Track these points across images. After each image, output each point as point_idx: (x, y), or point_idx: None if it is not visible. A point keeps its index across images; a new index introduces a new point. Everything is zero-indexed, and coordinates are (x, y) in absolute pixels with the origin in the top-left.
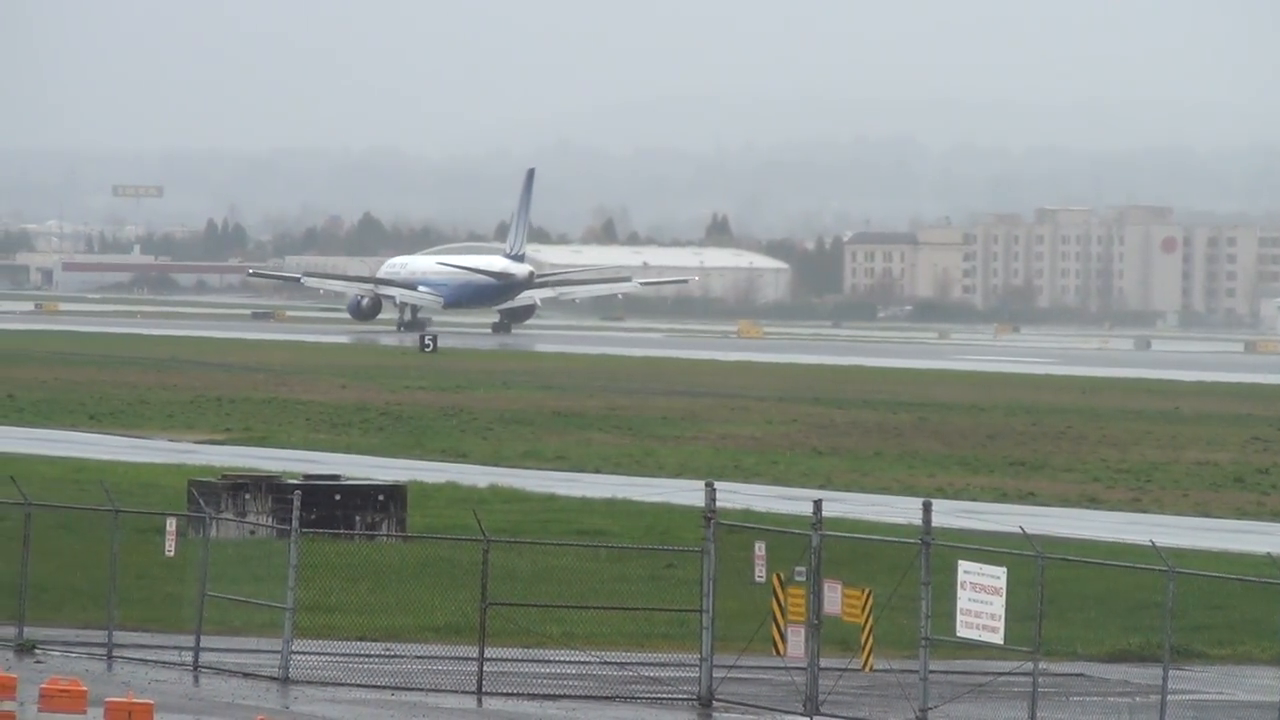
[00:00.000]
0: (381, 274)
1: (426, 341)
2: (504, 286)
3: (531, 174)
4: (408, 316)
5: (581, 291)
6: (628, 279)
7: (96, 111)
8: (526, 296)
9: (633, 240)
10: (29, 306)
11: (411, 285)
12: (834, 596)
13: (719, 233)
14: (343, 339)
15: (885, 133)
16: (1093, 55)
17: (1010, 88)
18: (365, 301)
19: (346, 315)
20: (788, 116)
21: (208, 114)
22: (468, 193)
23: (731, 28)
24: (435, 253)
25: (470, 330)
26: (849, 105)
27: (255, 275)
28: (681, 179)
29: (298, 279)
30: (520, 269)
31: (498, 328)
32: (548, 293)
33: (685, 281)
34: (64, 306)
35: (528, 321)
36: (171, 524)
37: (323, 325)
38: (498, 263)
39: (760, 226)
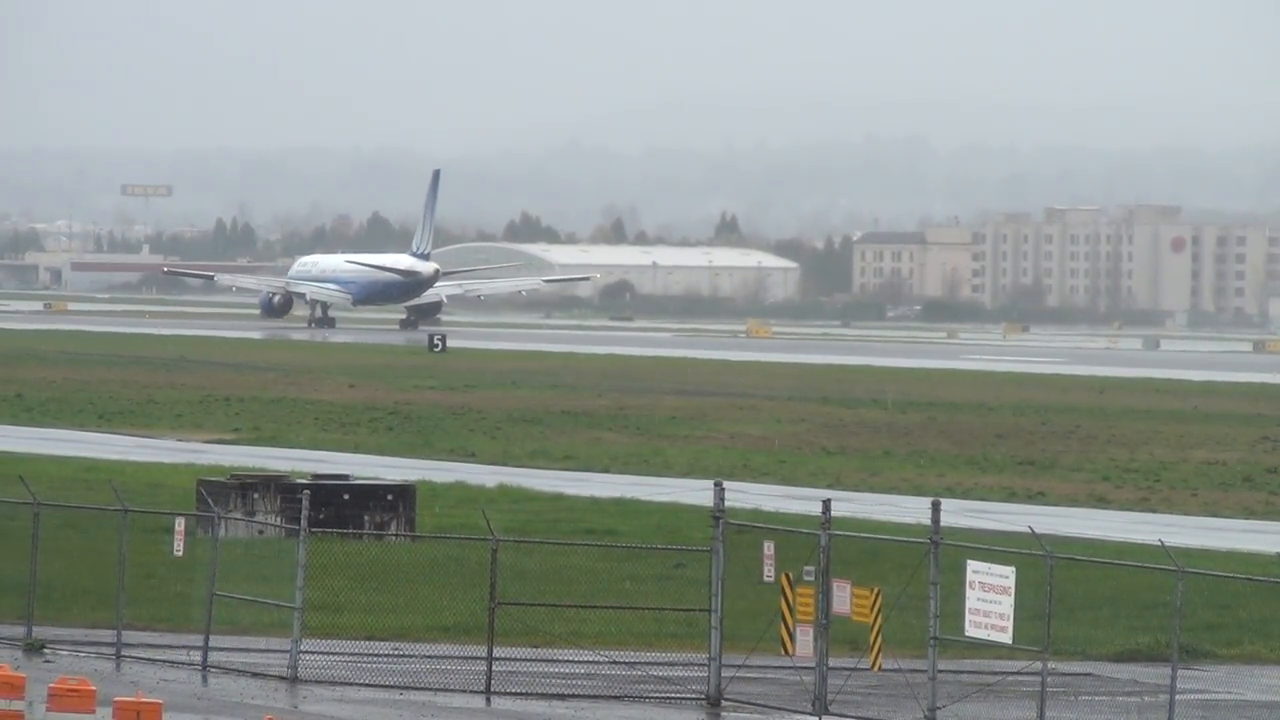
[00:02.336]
0: (293, 273)
1: (435, 341)
2: (411, 284)
3: (437, 175)
4: (318, 313)
5: (487, 288)
6: (534, 278)
7: (105, 111)
8: (433, 293)
9: (641, 240)
10: (38, 306)
11: (322, 283)
12: (843, 596)
13: (728, 232)
14: (255, 334)
15: (895, 133)
16: (1102, 55)
17: (1020, 88)
18: (277, 299)
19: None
20: (797, 117)
21: (217, 113)
22: (478, 193)
23: (742, 28)
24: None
25: (380, 327)
26: (858, 105)
27: (170, 272)
28: (691, 179)
29: (211, 277)
30: (425, 267)
31: (405, 324)
32: (454, 289)
33: (588, 279)
34: (73, 306)
35: (436, 316)
36: (180, 524)
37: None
38: (404, 260)
39: (769, 226)
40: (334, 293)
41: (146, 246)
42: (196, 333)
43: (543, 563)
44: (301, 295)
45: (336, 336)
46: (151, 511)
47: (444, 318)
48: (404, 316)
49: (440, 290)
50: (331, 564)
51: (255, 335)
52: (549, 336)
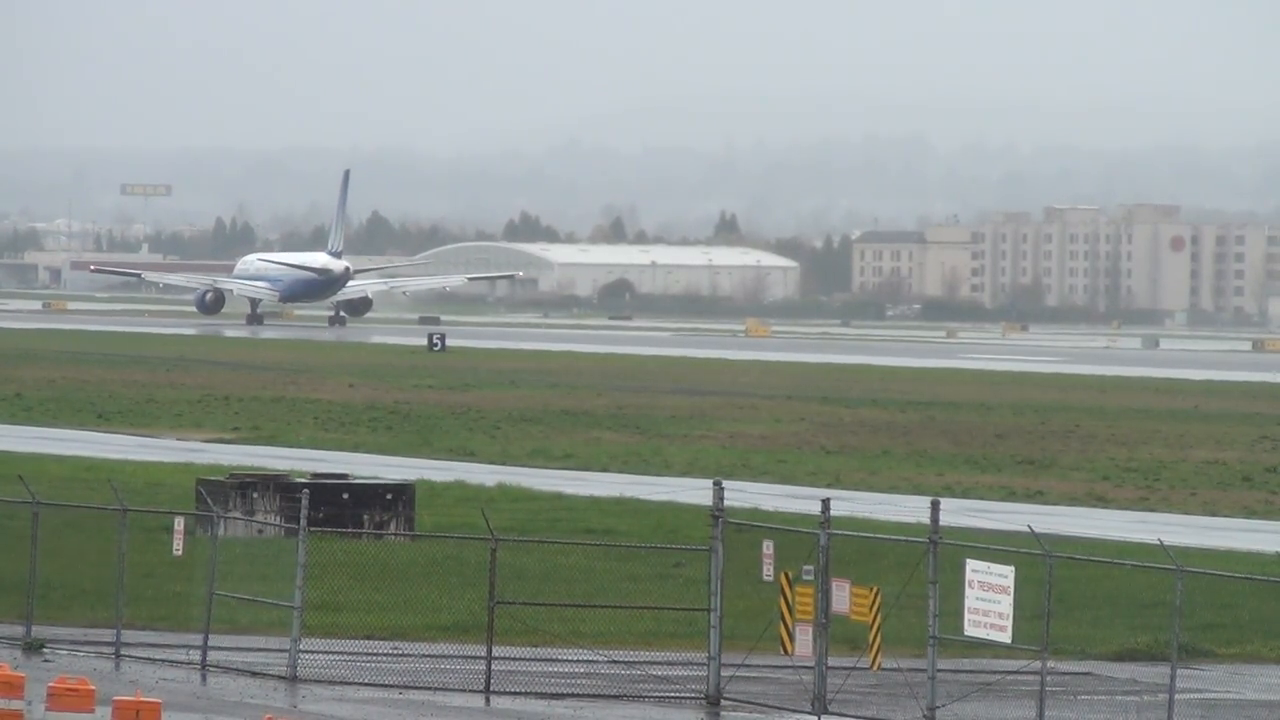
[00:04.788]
0: (235, 271)
1: (435, 341)
2: (326, 281)
3: (347, 175)
4: (249, 310)
5: (412, 285)
6: (459, 275)
7: (104, 110)
8: (359, 290)
9: (641, 239)
10: (37, 305)
11: (252, 280)
12: (842, 595)
13: (727, 231)
14: (189, 330)
15: (894, 132)
16: (1101, 54)
17: (1019, 87)
18: (209, 296)
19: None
20: (797, 116)
21: (216, 113)
22: (477, 192)
23: (741, 28)
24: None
25: (309, 324)
26: (858, 105)
27: (97, 270)
28: (690, 178)
29: (138, 275)
30: (337, 264)
31: (333, 320)
32: (380, 286)
33: (513, 276)
34: (72, 305)
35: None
36: (179, 523)
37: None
38: (319, 259)
39: (769, 225)
40: (262, 290)
41: (145, 246)
42: (196, 331)
43: (542, 562)
44: (229, 292)
45: (265, 333)
46: (151, 511)
47: (443, 317)
48: (331, 314)
49: (365, 287)
50: (331, 563)
51: (189, 331)
52: (548, 336)
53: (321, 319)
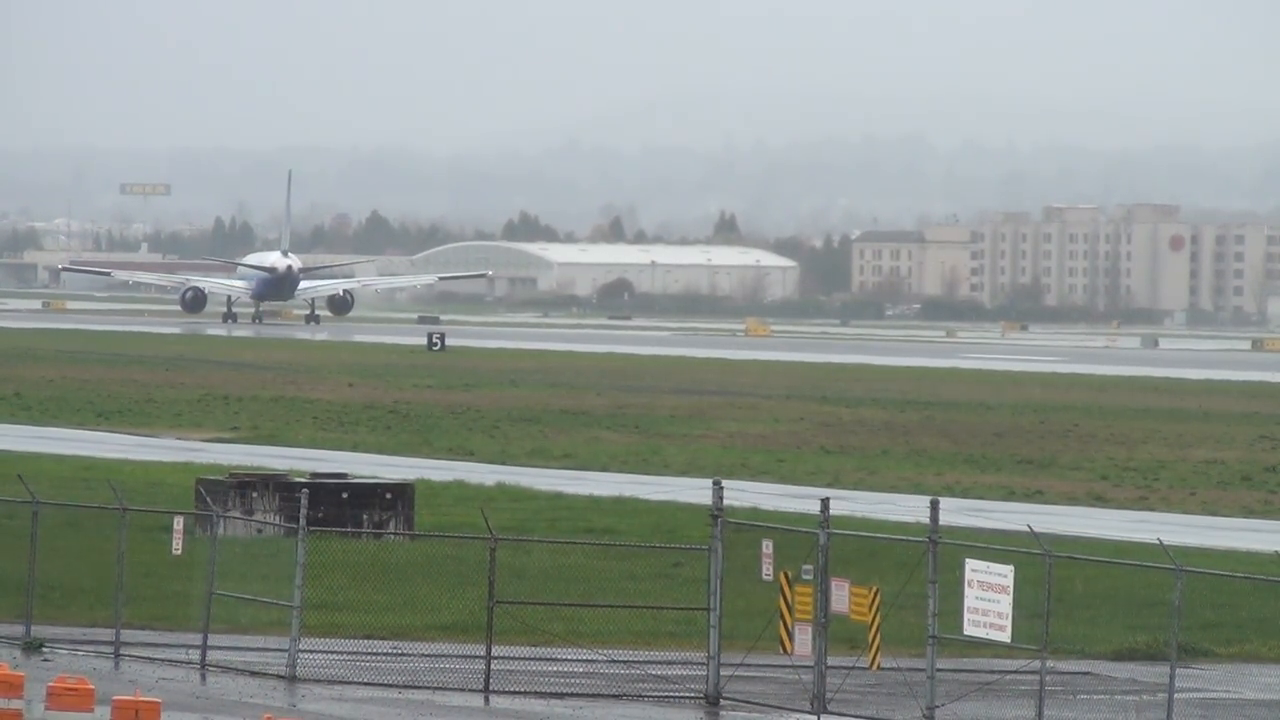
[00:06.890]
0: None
1: (434, 340)
2: (276, 279)
3: (290, 176)
4: (225, 308)
5: (384, 284)
6: (430, 275)
7: (104, 110)
8: (330, 288)
9: (640, 239)
10: (36, 305)
11: (230, 280)
12: (841, 594)
13: (727, 231)
14: (175, 329)
15: (893, 131)
16: (1101, 54)
17: (1018, 86)
18: (189, 295)
19: (328, 312)
20: (796, 115)
21: (216, 112)
22: (476, 192)
23: (741, 28)
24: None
25: (286, 323)
26: (858, 104)
27: (69, 269)
28: (690, 178)
29: (108, 273)
30: (282, 263)
31: (308, 319)
32: (354, 285)
33: (484, 275)
34: (71, 305)
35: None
36: (179, 522)
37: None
38: (270, 258)
39: (768, 225)
40: (234, 287)
41: (145, 245)
42: (195, 331)
43: (541, 561)
44: (203, 290)
45: (239, 331)
46: (150, 510)
47: (443, 317)
48: (307, 312)
49: (339, 285)
50: (330, 562)
51: (175, 330)
52: (547, 335)
53: (318, 318)
